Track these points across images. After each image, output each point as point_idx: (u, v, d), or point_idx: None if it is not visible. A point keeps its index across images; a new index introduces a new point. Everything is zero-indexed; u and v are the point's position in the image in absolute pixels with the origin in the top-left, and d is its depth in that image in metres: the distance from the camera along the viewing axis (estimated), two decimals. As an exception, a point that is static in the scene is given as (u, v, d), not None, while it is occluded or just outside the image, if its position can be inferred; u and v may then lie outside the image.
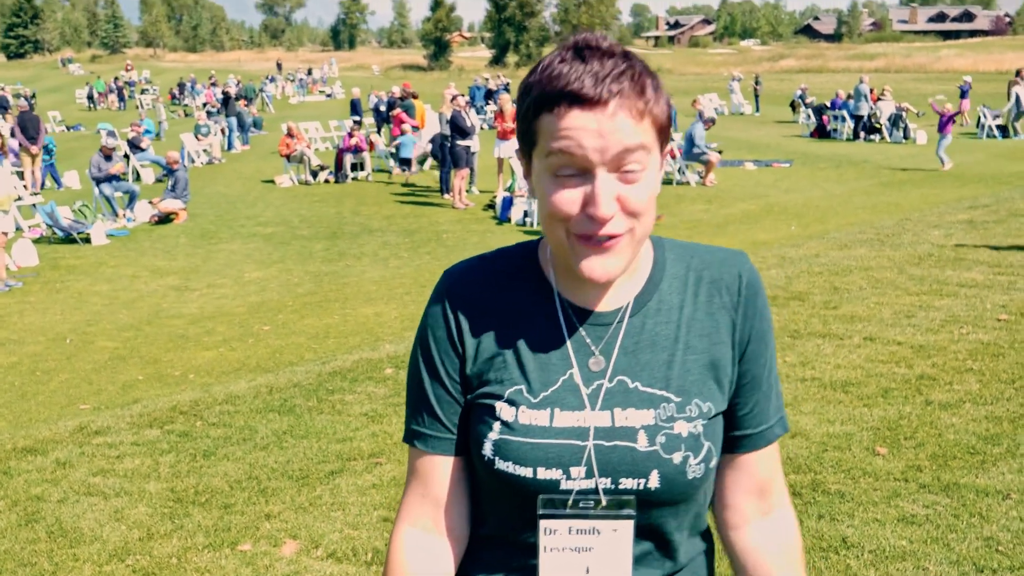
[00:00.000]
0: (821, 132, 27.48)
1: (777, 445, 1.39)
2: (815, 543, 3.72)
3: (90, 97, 47.83)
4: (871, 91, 26.77)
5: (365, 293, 10.08)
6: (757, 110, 37.81)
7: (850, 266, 9.19)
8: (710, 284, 1.33)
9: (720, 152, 19.29)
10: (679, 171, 18.39)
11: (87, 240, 13.82)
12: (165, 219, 15.44)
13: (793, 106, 33.66)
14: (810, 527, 3.85)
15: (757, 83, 38.92)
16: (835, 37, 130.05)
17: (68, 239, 13.90)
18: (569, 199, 1.18)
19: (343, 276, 11.09)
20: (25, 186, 18.22)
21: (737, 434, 1.36)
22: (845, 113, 26.95)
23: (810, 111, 29.40)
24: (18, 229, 14.13)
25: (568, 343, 1.29)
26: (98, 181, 15.76)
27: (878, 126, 26.12)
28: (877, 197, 15.72)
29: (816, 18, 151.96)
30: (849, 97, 27.23)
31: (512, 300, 1.33)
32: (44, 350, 8.43)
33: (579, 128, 1.15)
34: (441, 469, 1.35)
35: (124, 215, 15.62)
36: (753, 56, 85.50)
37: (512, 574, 1.33)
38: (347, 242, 13.29)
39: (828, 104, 28.60)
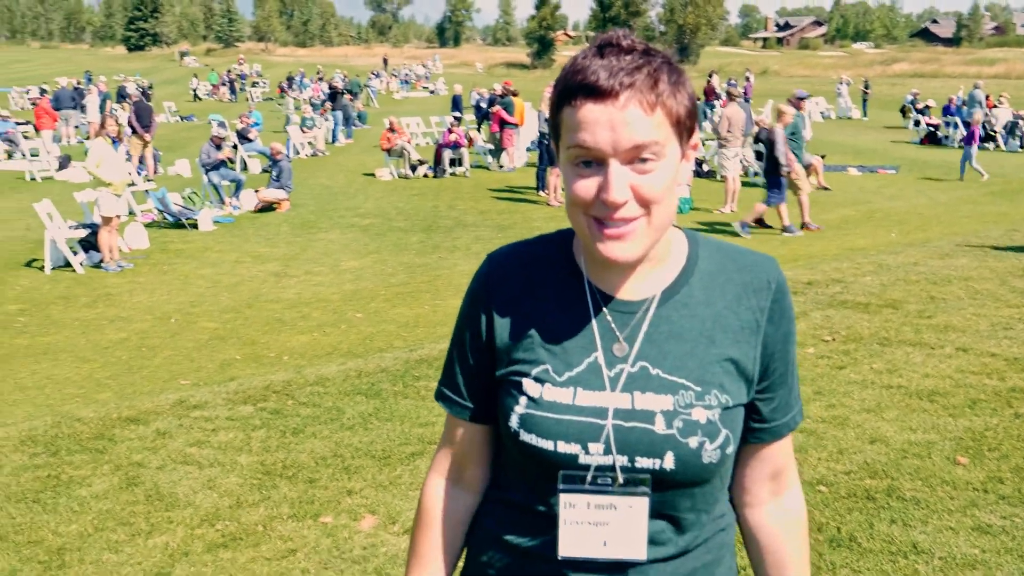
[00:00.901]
0: (932, 139, 26.68)
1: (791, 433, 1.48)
2: (884, 547, 3.71)
3: (194, 91, 49.30)
4: (987, 97, 25.88)
5: (455, 285, 10.26)
6: (865, 115, 36.87)
7: (949, 275, 8.97)
8: (740, 285, 1.39)
9: (823, 157, 18.92)
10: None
11: (194, 226, 14.34)
12: (268, 208, 15.92)
13: (903, 111, 32.76)
14: (881, 531, 3.83)
15: (866, 87, 37.96)
16: (954, 41, 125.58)
17: (177, 224, 14.45)
18: (586, 186, 1.26)
19: (435, 268, 11.29)
20: (129, 172, 18.98)
21: (758, 426, 1.44)
22: (958, 120, 26.11)
23: (920, 116, 28.58)
24: (131, 213, 14.78)
25: (595, 327, 1.37)
26: (207, 169, 16.33)
27: (993, 134, 25.25)
28: (985, 206, 15.24)
29: (934, 21, 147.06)
30: (963, 103, 26.37)
31: (545, 283, 1.42)
32: (150, 328, 8.83)
33: (592, 121, 1.23)
34: (462, 431, 1.52)
35: (230, 203, 16.15)
36: (865, 59, 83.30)
37: (535, 538, 1.41)
38: (441, 235, 13.51)
39: (921, 106, 27.74)
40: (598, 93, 1.23)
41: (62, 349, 8.15)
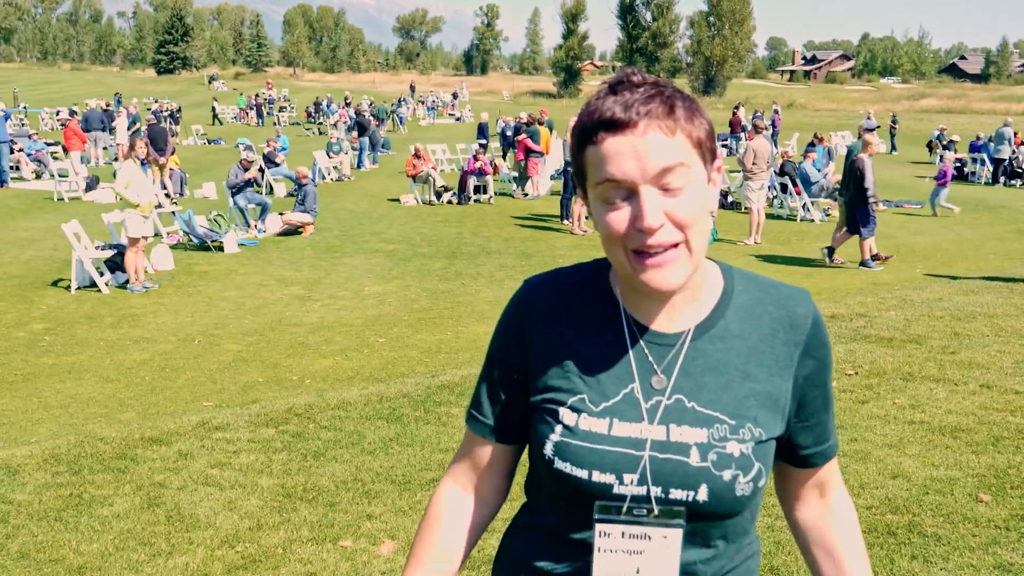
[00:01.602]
0: (959, 175, 26.55)
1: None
2: (905, 583, 3.68)
3: (214, 114, 49.74)
4: (1015, 135, 25.76)
5: (478, 312, 10.29)
6: (893, 149, 36.73)
7: (974, 312, 8.91)
8: (775, 319, 1.41)
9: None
10: (803, 207, 18.10)
11: (220, 248, 14.48)
12: (293, 231, 16.05)
13: (930, 147, 32.64)
14: (902, 567, 3.80)
15: (894, 122, 37.86)
16: (982, 77, 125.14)
17: (202, 246, 14.60)
18: (619, 219, 1.28)
19: (458, 295, 11.33)
20: (156, 194, 19.18)
21: (804, 453, 1.48)
22: (985, 156, 25.99)
23: (945, 152, 28.45)
24: (156, 235, 14.94)
25: (632, 359, 1.39)
26: (233, 192, 16.50)
27: (1020, 171, 25.11)
28: (1012, 244, 15.14)
29: (962, 57, 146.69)
30: (990, 140, 26.26)
31: (582, 313, 1.44)
32: (174, 349, 8.91)
33: (617, 153, 1.26)
34: (484, 448, 1.54)
35: (255, 226, 16.29)
36: (892, 94, 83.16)
37: (567, 565, 1.42)
38: (465, 262, 13.56)
39: (947, 141, 27.60)
40: (617, 126, 1.26)
41: (86, 369, 8.23)
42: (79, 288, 11.59)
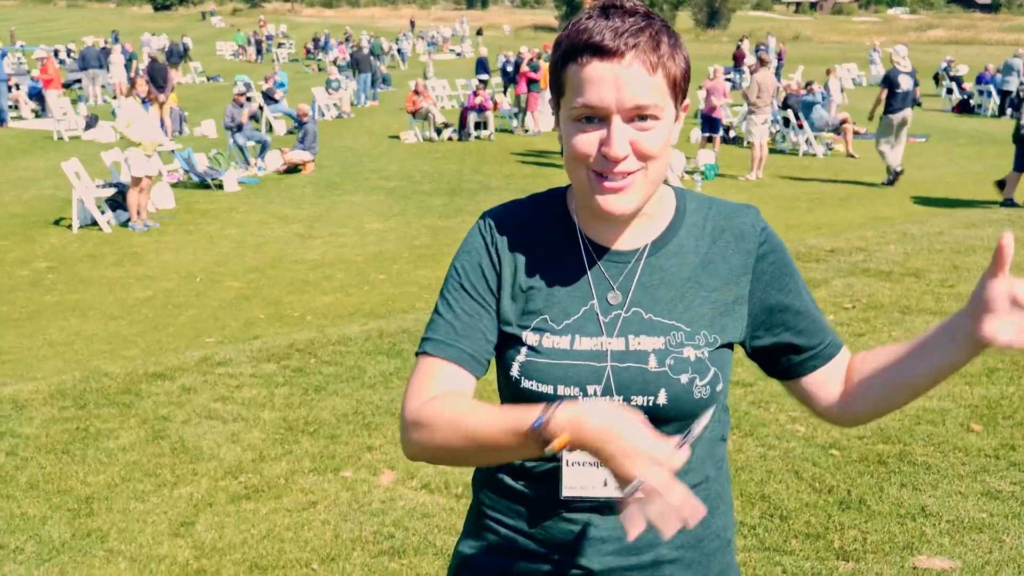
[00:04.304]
0: (964, 107, 26.31)
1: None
2: (893, 509, 3.76)
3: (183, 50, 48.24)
4: (1024, 65, 25.43)
5: (479, 248, 10.32)
6: (898, 82, 36.26)
7: (974, 245, 8.92)
8: (725, 232, 1.48)
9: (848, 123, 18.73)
10: (806, 142, 18.00)
11: (220, 186, 14.46)
12: (293, 169, 16.01)
13: (936, 79, 32.26)
14: (891, 494, 3.88)
15: (900, 54, 37.32)
16: (992, 7, 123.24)
17: (203, 184, 14.57)
18: (588, 141, 1.33)
19: (459, 231, 11.34)
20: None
21: (805, 356, 1.50)
22: (992, 88, 25.69)
23: (953, 84, 28.16)
24: (158, 173, 14.90)
25: (590, 278, 1.45)
26: (231, 130, 16.42)
27: (1026, 102, 24.85)
28: (1014, 176, 15.04)
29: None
30: (998, 71, 25.93)
31: (540, 238, 1.49)
32: (176, 286, 8.96)
33: (598, 79, 1.30)
34: (446, 370, 1.42)
35: (255, 164, 16.24)
36: (899, 25, 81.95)
37: (536, 483, 1.47)
38: (465, 199, 13.55)
39: (954, 73, 27.29)
40: (604, 52, 1.30)
41: (90, 306, 8.29)
42: (81, 227, 11.61)
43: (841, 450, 4.38)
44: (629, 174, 1.34)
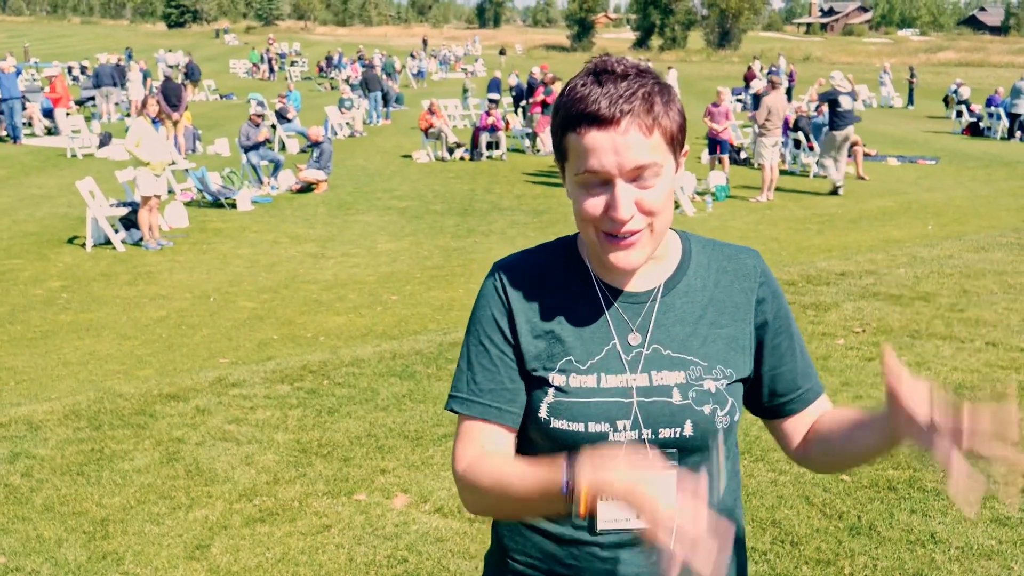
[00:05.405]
0: (974, 130, 26.31)
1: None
2: (903, 536, 3.78)
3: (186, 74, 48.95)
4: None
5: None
6: (911, 103, 36.29)
7: (984, 269, 8.94)
8: (729, 272, 1.57)
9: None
10: (817, 164, 18.02)
11: (233, 205, 14.55)
12: (306, 188, 16.10)
13: (946, 101, 32.27)
14: (901, 520, 3.90)
15: (912, 76, 37.39)
16: (1002, 30, 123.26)
17: (216, 203, 14.67)
18: (594, 204, 1.41)
19: (471, 252, 11.40)
20: (169, 152, 19.16)
21: (785, 399, 1.59)
22: (1001, 111, 25.70)
23: (963, 107, 28.16)
24: (171, 192, 15.00)
25: (608, 319, 1.51)
26: (246, 149, 16.53)
27: (1036, 125, 24.81)
28: (1025, 199, 15.07)
29: (982, 8, 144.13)
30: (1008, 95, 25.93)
31: (555, 284, 1.55)
32: (190, 306, 9.03)
33: (598, 148, 1.37)
34: (483, 431, 1.52)
35: (268, 183, 16.34)
36: (909, 47, 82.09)
37: (567, 522, 1.51)
38: (477, 219, 13.61)
39: (964, 96, 27.26)
40: (601, 121, 1.37)
41: (104, 326, 8.36)
42: (95, 245, 11.70)
43: (851, 475, 4.40)
44: (636, 232, 1.41)
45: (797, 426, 1.61)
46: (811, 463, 1.61)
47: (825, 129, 15.20)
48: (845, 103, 14.82)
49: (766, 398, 1.60)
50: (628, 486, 1.21)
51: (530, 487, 1.36)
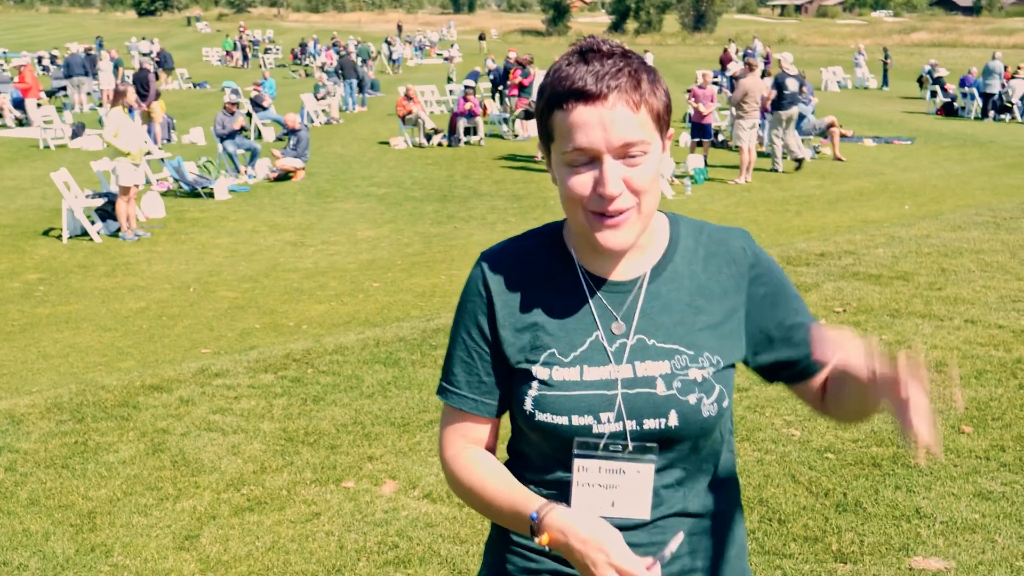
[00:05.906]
0: (948, 110, 26.49)
1: None
2: (888, 511, 3.83)
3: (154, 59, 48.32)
4: (1005, 68, 25.62)
5: (471, 255, 10.35)
6: (886, 84, 36.47)
7: (961, 248, 9.02)
8: (718, 256, 1.54)
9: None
10: (766, 145, 18.07)
11: (210, 195, 14.45)
12: (284, 177, 16.01)
13: (921, 82, 32.45)
14: (886, 496, 3.95)
15: (886, 57, 37.54)
16: (973, 10, 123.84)
17: (193, 193, 14.57)
18: (582, 183, 1.40)
19: (451, 238, 11.39)
20: (145, 141, 18.96)
21: (802, 367, 1.57)
22: (975, 91, 25.89)
23: (937, 87, 28.33)
24: (147, 182, 14.88)
25: (592, 309, 1.50)
26: (222, 138, 16.41)
27: (1009, 105, 25.05)
28: (999, 179, 15.20)
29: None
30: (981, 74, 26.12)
31: (540, 274, 1.54)
32: (169, 297, 8.97)
33: (585, 123, 1.36)
34: (468, 423, 1.58)
35: (245, 172, 16.24)
36: (883, 28, 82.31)
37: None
38: (457, 205, 13.59)
39: (938, 76, 27.45)
40: (588, 96, 1.36)
41: (83, 318, 8.30)
42: (71, 237, 11.60)
43: (836, 453, 4.44)
44: (624, 211, 1.40)
45: (812, 386, 1.60)
46: (831, 416, 1.62)
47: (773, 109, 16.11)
48: (791, 85, 15.67)
49: (783, 371, 1.58)
50: (582, 555, 1.35)
51: (503, 503, 1.48)
